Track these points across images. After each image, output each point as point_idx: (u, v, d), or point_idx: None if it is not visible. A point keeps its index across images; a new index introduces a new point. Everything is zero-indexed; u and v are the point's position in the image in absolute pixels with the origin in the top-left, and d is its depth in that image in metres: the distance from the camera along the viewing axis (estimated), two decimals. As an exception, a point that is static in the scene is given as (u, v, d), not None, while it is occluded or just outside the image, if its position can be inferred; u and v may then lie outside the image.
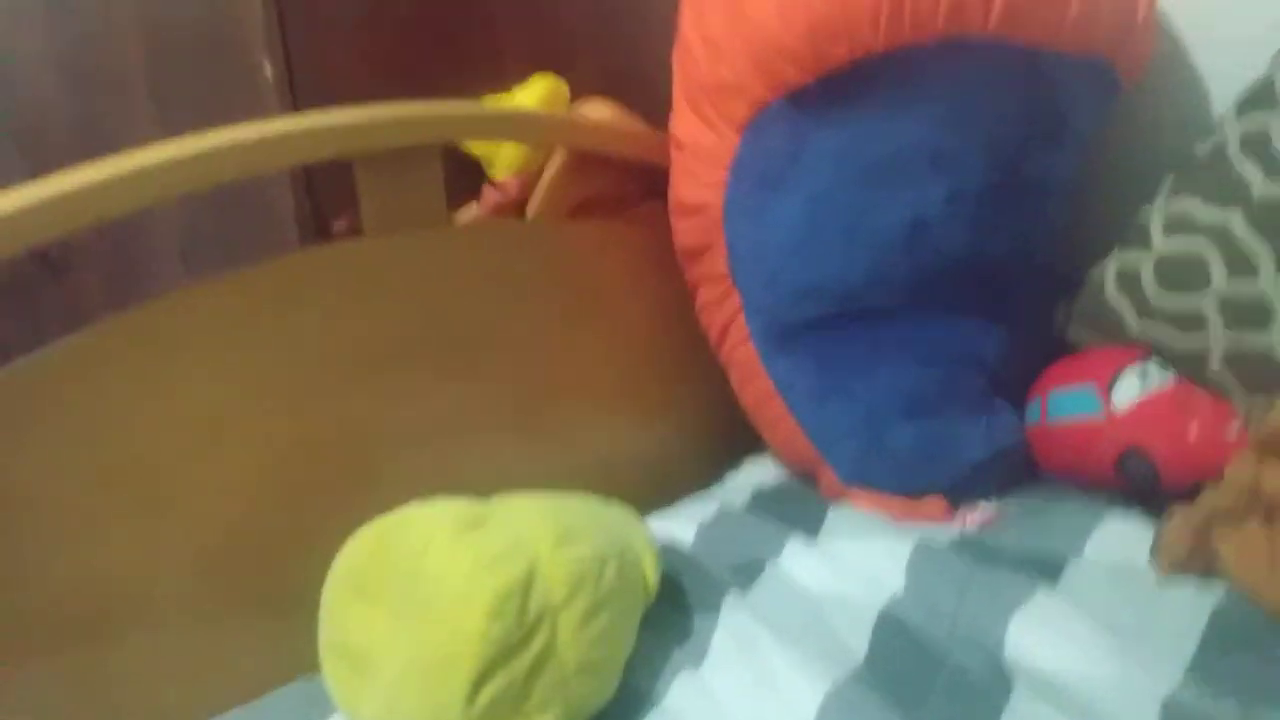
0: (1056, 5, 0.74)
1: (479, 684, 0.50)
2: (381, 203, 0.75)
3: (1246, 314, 0.70)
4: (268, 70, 0.95)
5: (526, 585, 0.53)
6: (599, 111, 1.00)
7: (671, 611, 0.66)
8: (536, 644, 0.53)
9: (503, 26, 1.11)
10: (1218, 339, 0.71)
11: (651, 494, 0.84)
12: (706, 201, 0.85)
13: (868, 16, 0.71)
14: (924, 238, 0.79)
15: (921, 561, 0.65)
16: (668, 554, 0.70)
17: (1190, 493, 0.65)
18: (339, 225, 0.93)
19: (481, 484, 0.68)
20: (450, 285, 0.80)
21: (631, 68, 1.01)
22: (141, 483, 0.65)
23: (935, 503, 0.77)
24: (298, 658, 0.63)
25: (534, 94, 1.03)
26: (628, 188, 0.95)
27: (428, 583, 0.54)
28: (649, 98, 0.91)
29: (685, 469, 0.92)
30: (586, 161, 0.93)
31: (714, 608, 0.65)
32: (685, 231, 0.89)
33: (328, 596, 0.60)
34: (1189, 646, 0.53)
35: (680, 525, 0.79)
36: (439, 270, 0.79)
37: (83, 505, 0.63)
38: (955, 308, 0.82)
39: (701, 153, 0.84)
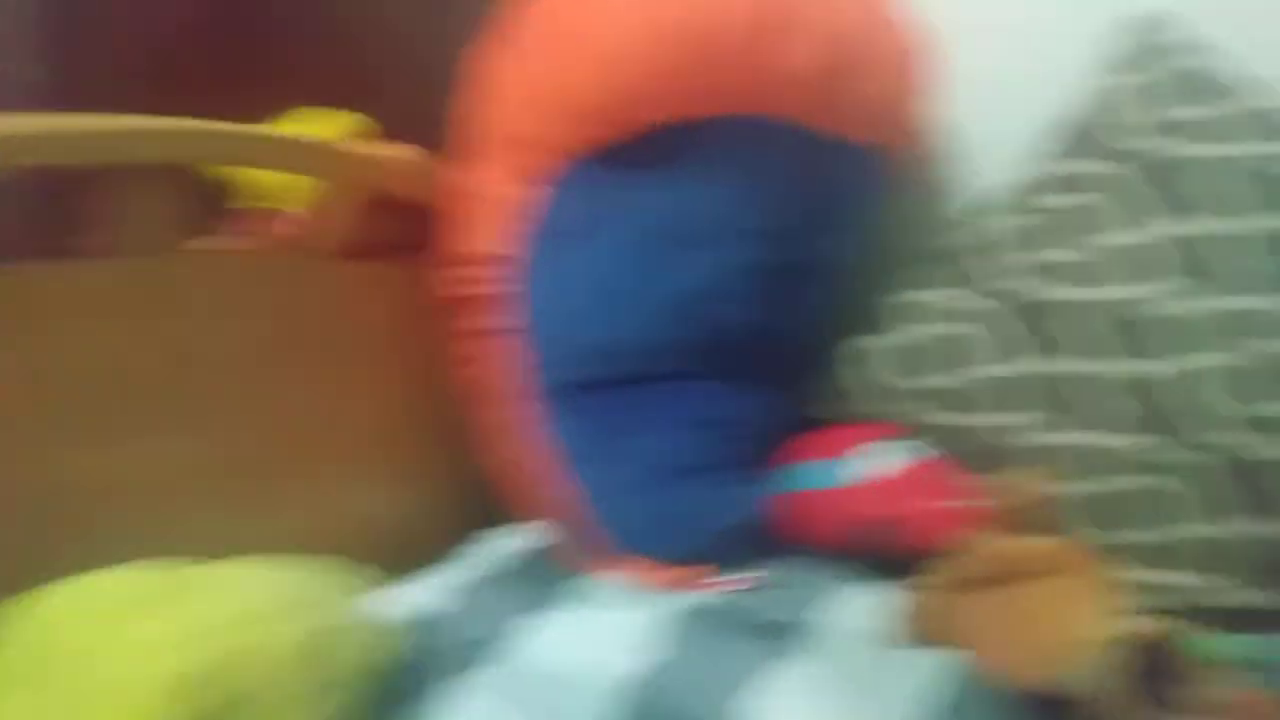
0: (847, 94, 0.78)
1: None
2: (113, 221, 0.67)
3: (977, 396, 0.75)
4: (19, 73, 0.86)
5: (216, 670, 0.46)
6: (392, 153, 0.95)
7: (403, 693, 0.60)
8: (225, 739, 0.45)
9: (304, 61, 1.05)
10: (951, 418, 0.76)
11: (396, 560, 0.78)
12: (498, 253, 0.83)
13: (681, 86, 0.73)
14: (703, 306, 0.80)
15: (666, 631, 0.63)
16: (404, 627, 0.64)
17: (927, 563, 0.67)
18: (64, 243, 0.82)
19: (203, 548, 0.60)
20: (181, 320, 0.71)
21: (441, 114, 0.98)
22: None
23: (691, 570, 0.76)
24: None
25: (327, 127, 0.97)
26: (401, 232, 0.90)
27: (96, 666, 0.45)
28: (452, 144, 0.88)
29: (436, 534, 0.85)
30: (359, 200, 0.87)
31: (451, 688, 0.60)
32: (469, 282, 0.86)
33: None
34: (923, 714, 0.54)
35: (421, 594, 0.73)
36: (169, 301, 0.70)
37: None
38: (729, 376, 0.83)
39: (498, 203, 0.82)
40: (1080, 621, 0.52)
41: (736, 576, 0.73)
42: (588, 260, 0.80)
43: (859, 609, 0.65)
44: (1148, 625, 0.49)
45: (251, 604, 0.50)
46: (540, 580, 0.75)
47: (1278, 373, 0.64)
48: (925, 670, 0.57)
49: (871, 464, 0.75)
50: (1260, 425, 0.63)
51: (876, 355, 0.82)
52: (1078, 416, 0.70)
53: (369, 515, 0.83)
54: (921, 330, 0.79)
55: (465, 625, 0.67)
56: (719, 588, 0.72)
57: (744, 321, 0.81)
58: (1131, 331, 0.69)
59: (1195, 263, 0.68)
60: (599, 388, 0.82)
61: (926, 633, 0.60)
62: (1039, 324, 0.73)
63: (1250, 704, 0.49)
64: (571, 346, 0.82)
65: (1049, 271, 0.74)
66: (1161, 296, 0.68)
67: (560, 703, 0.57)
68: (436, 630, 0.67)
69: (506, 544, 0.84)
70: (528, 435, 0.84)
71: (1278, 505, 0.62)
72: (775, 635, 0.61)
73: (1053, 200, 0.76)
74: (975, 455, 0.74)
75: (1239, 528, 0.63)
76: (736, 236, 0.79)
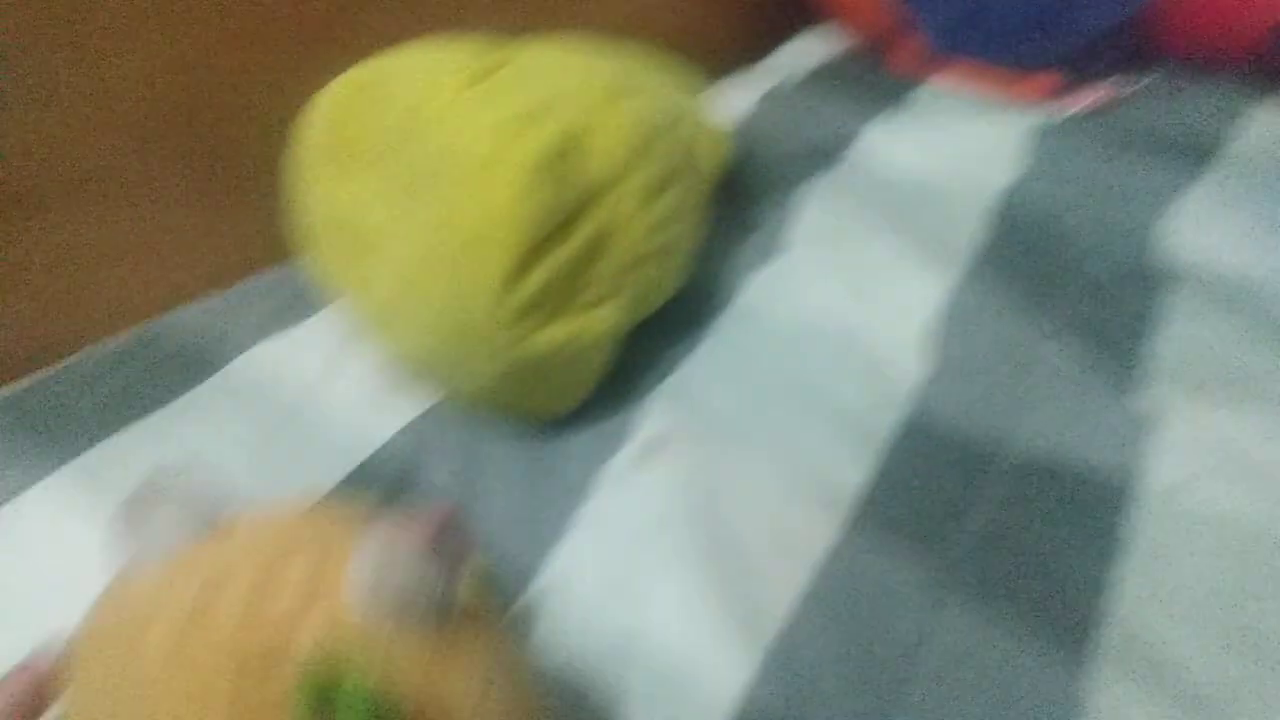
0: None
1: (519, 271, 0.38)
2: None
3: None
4: None
5: (565, 152, 0.39)
6: None
7: (740, 197, 0.53)
8: (589, 224, 0.40)
9: None
10: None
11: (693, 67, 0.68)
12: None
13: None
14: None
15: (1045, 142, 0.52)
16: (734, 129, 0.55)
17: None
18: None
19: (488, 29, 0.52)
20: None
21: None
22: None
23: (1047, 78, 0.62)
24: (271, 244, 0.51)
25: None
26: None
27: (432, 147, 0.40)
28: None
29: (725, 42, 0.74)
30: None
31: (791, 192, 0.52)
32: None
33: (300, 166, 0.45)
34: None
35: (737, 97, 0.63)
36: None
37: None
38: None
39: None
40: None
41: (1101, 88, 0.60)
42: None
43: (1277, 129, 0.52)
44: None
45: (584, 82, 0.43)
46: (869, 86, 0.63)
47: None
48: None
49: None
50: None
51: None
52: None
53: (647, 21, 0.71)
54: None
55: (792, 129, 0.58)
56: (1089, 101, 0.59)
57: None
58: None
59: None
60: None
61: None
62: None
63: None
64: None
65: None
66: None
67: (922, 214, 0.49)
68: (760, 133, 0.58)
69: (816, 50, 0.72)
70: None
71: None
72: (1181, 153, 0.50)
73: None
74: None
75: None
76: None
